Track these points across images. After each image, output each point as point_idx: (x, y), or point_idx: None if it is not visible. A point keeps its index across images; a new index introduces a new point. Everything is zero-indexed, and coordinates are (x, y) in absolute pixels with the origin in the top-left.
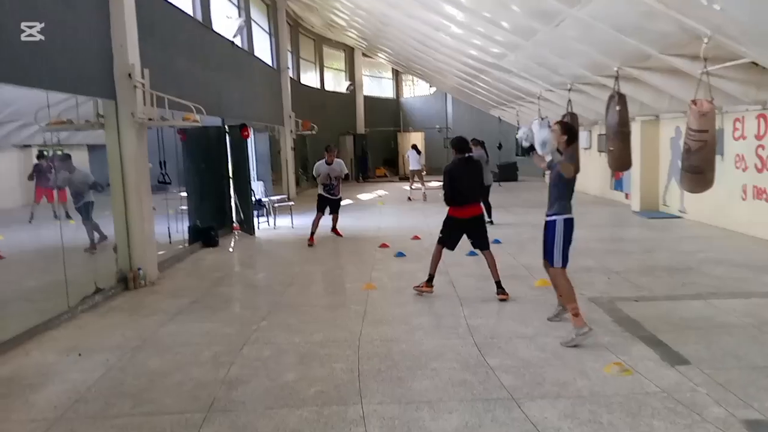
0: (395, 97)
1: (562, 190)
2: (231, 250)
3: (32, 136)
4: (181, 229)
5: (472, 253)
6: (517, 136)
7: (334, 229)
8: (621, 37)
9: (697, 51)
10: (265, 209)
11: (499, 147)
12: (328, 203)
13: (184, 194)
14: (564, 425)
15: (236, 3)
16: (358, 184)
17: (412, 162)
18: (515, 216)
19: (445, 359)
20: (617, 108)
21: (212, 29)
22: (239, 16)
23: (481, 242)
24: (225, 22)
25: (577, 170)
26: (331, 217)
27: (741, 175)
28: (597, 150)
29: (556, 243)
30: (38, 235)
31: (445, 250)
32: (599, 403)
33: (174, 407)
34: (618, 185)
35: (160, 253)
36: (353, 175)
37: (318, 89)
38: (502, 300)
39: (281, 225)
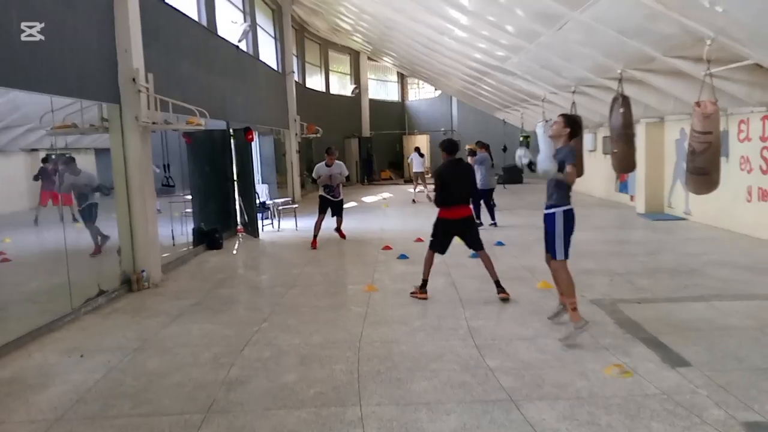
0: (400, 100)
1: (561, 182)
2: (235, 252)
3: (40, 140)
4: (186, 231)
5: (474, 255)
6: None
7: (338, 230)
8: (624, 39)
9: (700, 53)
10: (269, 212)
11: (504, 149)
12: (330, 205)
13: (190, 197)
14: (562, 427)
15: (242, 8)
16: (363, 187)
17: (416, 164)
18: (519, 218)
19: (444, 361)
20: (621, 110)
21: (217, 34)
22: (245, 21)
23: (474, 243)
24: (230, 26)
25: (580, 173)
26: (335, 219)
27: (746, 176)
28: (602, 152)
29: (557, 235)
30: (44, 237)
31: (445, 251)
32: (598, 404)
33: (173, 408)
34: (623, 187)
35: (165, 255)
36: (358, 178)
37: (323, 93)
38: (503, 299)
39: (285, 227)
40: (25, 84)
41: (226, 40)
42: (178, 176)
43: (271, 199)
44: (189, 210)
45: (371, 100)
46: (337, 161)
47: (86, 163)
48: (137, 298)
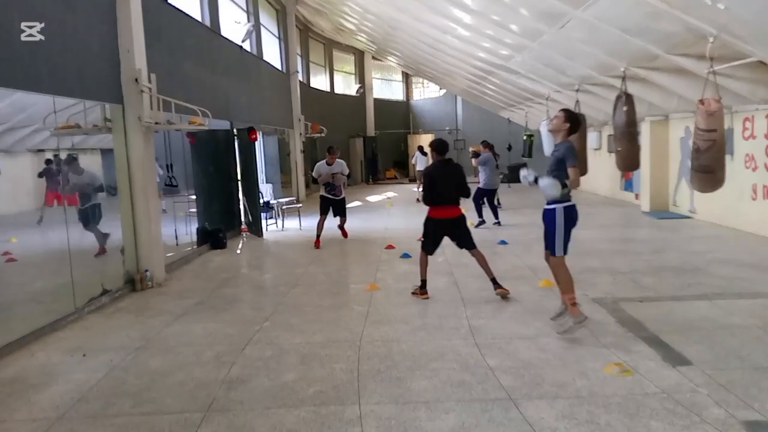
0: (405, 100)
1: (563, 177)
2: (239, 251)
3: (46, 141)
4: (190, 231)
5: None
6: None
7: (341, 227)
8: (626, 37)
9: (703, 50)
10: (273, 211)
11: (509, 148)
12: (331, 205)
13: (194, 197)
14: (561, 425)
15: (245, 8)
16: (367, 186)
17: (420, 164)
18: (523, 217)
19: (445, 360)
20: (624, 108)
21: (220, 34)
22: (248, 21)
23: (465, 243)
24: (234, 27)
25: (584, 171)
26: (338, 218)
27: (751, 174)
28: (607, 150)
29: (557, 231)
30: (48, 237)
31: (434, 251)
32: (598, 403)
33: (173, 407)
34: (628, 186)
35: (169, 255)
36: (363, 177)
37: (328, 92)
38: (501, 295)
39: (289, 227)
40: (26, 84)
41: (230, 41)
42: (181, 176)
43: (275, 199)
44: (193, 210)
45: (376, 100)
46: (338, 160)
47: (92, 163)
48: (141, 298)
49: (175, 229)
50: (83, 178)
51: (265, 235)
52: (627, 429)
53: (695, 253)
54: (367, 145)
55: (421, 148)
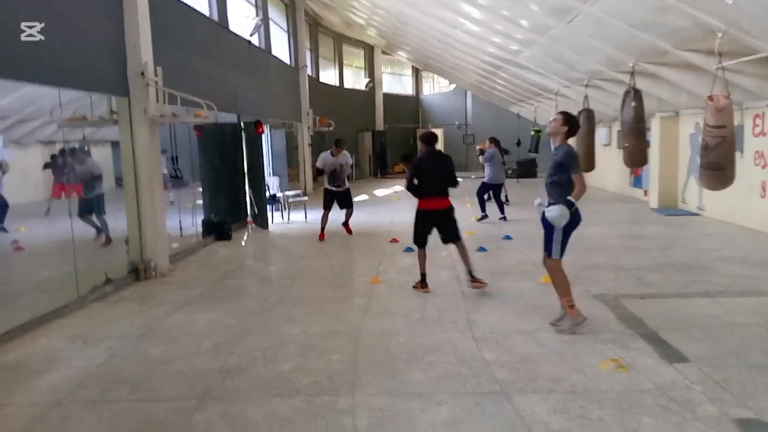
0: (415, 94)
1: (562, 181)
2: (244, 243)
3: (56, 133)
4: (196, 222)
5: (482, 249)
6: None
7: (345, 224)
8: (635, 32)
9: (712, 46)
10: (279, 204)
11: (518, 143)
12: (336, 198)
13: (201, 189)
14: (552, 420)
15: (254, 3)
16: (376, 180)
17: None
18: (530, 212)
19: (442, 353)
20: (633, 104)
21: (228, 29)
22: (257, 15)
23: (450, 235)
24: (242, 21)
25: (591, 167)
26: (344, 212)
27: (760, 172)
28: (616, 146)
29: (555, 233)
30: (55, 227)
31: (424, 244)
32: (591, 398)
33: (170, 394)
34: (637, 182)
35: (174, 245)
36: (371, 171)
37: (337, 87)
38: (476, 288)
39: (295, 219)
40: (32, 77)
41: (238, 35)
42: (187, 168)
43: (281, 192)
44: (200, 202)
45: (385, 95)
46: (344, 152)
47: (102, 155)
48: (144, 287)
49: (180, 221)
50: (86, 167)
51: (271, 227)
52: (619, 424)
53: (702, 251)
54: (376, 139)
55: None
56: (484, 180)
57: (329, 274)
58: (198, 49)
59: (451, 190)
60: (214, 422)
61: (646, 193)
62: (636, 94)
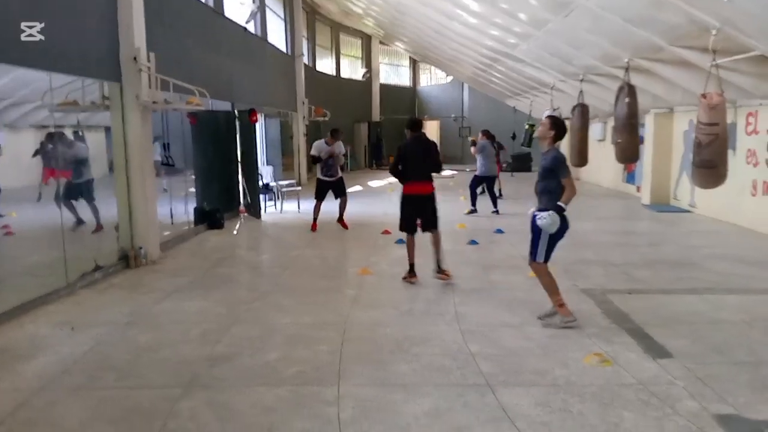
0: (412, 86)
1: (552, 184)
2: (236, 232)
3: (48, 117)
4: (188, 210)
5: (473, 242)
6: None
7: (340, 220)
8: (630, 28)
9: (706, 43)
10: (273, 193)
11: (513, 137)
12: (329, 188)
13: (193, 177)
14: (534, 412)
15: None
16: (371, 171)
17: None
18: (523, 206)
19: (428, 345)
20: (626, 100)
21: (223, 15)
22: (253, 2)
23: (428, 223)
24: (238, 7)
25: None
26: (338, 202)
27: (752, 170)
28: (611, 142)
29: (541, 238)
30: (45, 212)
31: (413, 230)
32: (573, 392)
33: (156, 382)
34: (630, 178)
35: (165, 233)
36: (367, 162)
37: (333, 76)
38: (441, 279)
39: (288, 209)
40: (23, 61)
41: (233, 21)
42: (180, 156)
43: (275, 181)
44: (192, 189)
45: (382, 85)
46: (338, 141)
47: (97, 140)
48: (134, 275)
49: (171, 208)
50: (72, 151)
51: (264, 216)
52: (599, 418)
53: (692, 248)
54: (371, 130)
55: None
56: (476, 173)
57: (320, 264)
58: (192, 36)
59: (447, 184)
60: (200, 410)
61: (638, 189)
62: (630, 90)
